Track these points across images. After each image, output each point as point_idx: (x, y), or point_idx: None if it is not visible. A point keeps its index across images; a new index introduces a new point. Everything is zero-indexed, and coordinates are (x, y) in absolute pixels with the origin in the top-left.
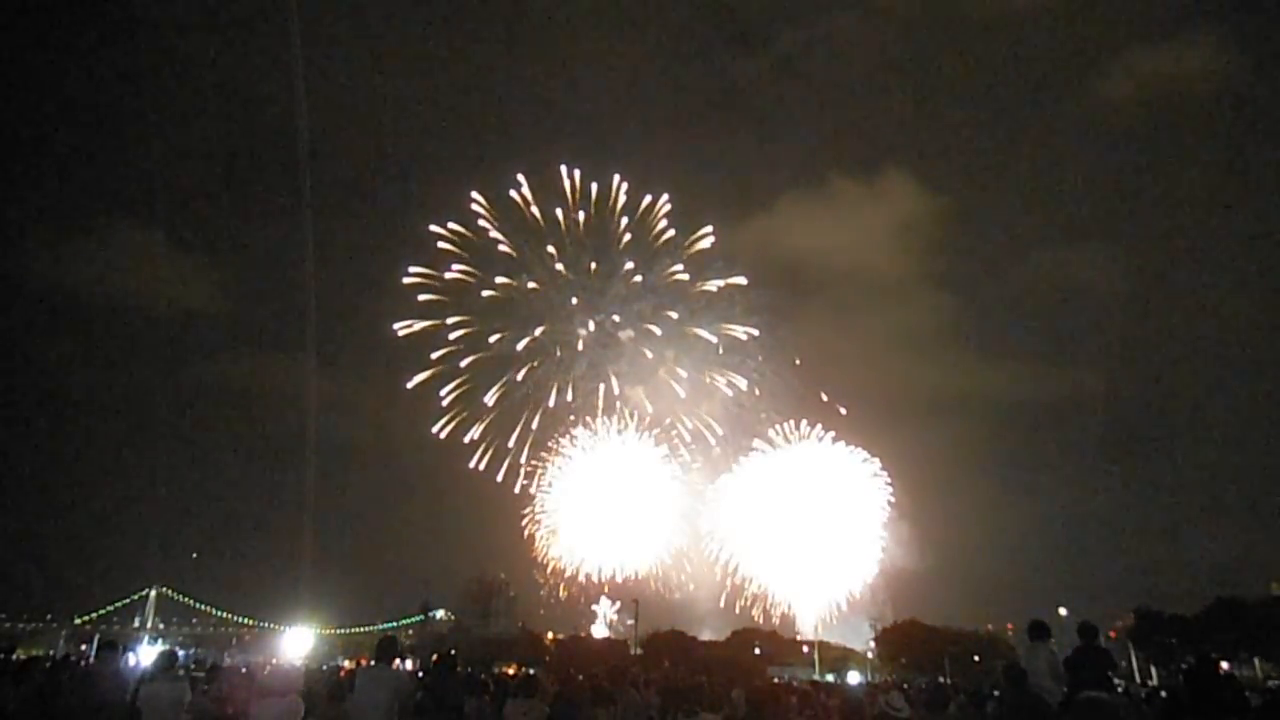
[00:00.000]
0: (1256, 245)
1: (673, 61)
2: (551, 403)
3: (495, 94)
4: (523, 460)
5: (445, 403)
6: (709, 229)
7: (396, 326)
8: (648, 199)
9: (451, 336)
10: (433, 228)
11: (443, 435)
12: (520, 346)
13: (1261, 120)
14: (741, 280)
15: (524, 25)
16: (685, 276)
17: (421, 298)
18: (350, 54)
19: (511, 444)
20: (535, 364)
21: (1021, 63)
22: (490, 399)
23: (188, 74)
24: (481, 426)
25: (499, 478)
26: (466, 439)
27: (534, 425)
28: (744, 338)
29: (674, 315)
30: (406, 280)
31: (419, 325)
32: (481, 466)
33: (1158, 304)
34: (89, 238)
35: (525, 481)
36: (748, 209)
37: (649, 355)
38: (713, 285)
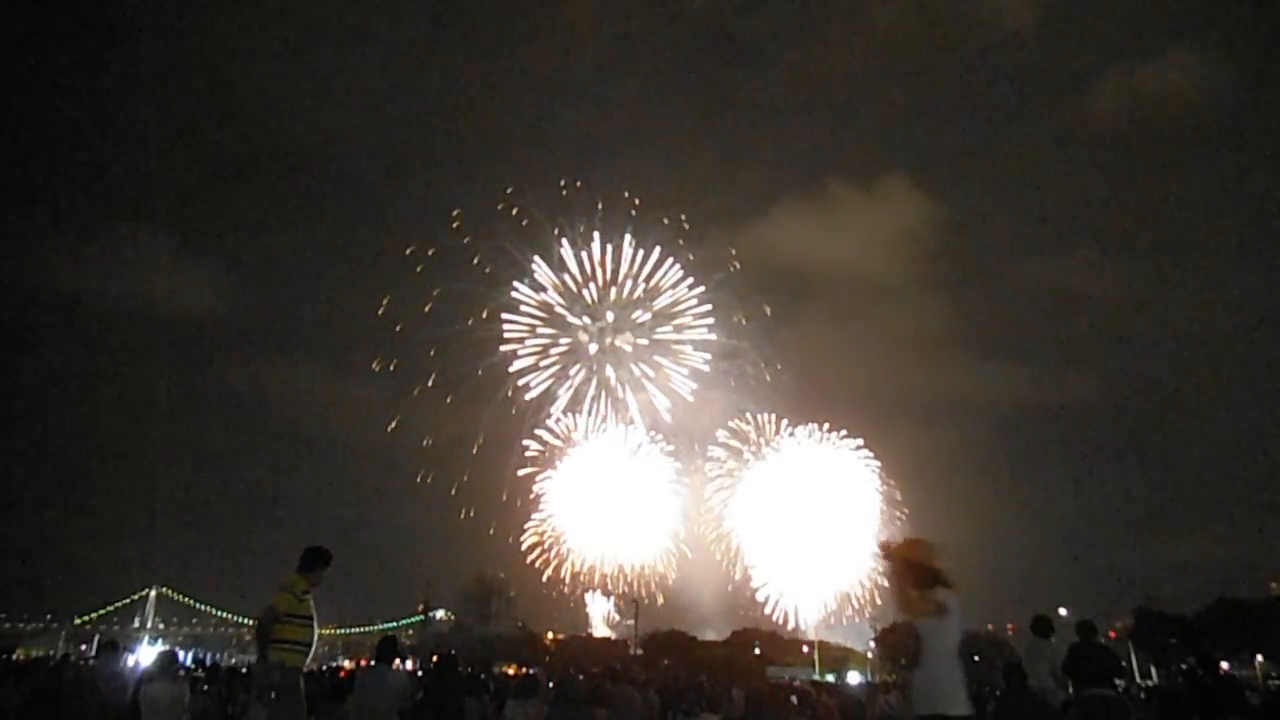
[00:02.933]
0: (1246, 249)
1: (672, 74)
2: (551, 409)
3: (501, 105)
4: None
5: (428, 443)
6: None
7: (375, 365)
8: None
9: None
10: (409, 251)
11: (428, 480)
12: (515, 367)
13: (1246, 131)
14: (765, 309)
15: (527, 40)
16: (694, 301)
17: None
18: (359, 63)
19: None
20: (533, 371)
21: (1015, 79)
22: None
23: (199, 82)
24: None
25: (490, 530)
26: (453, 490)
27: (529, 446)
28: (748, 346)
29: (675, 324)
30: (381, 311)
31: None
32: (472, 514)
33: (1151, 308)
34: (100, 243)
35: (523, 494)
36: (745, 214)
37: (649, 362)
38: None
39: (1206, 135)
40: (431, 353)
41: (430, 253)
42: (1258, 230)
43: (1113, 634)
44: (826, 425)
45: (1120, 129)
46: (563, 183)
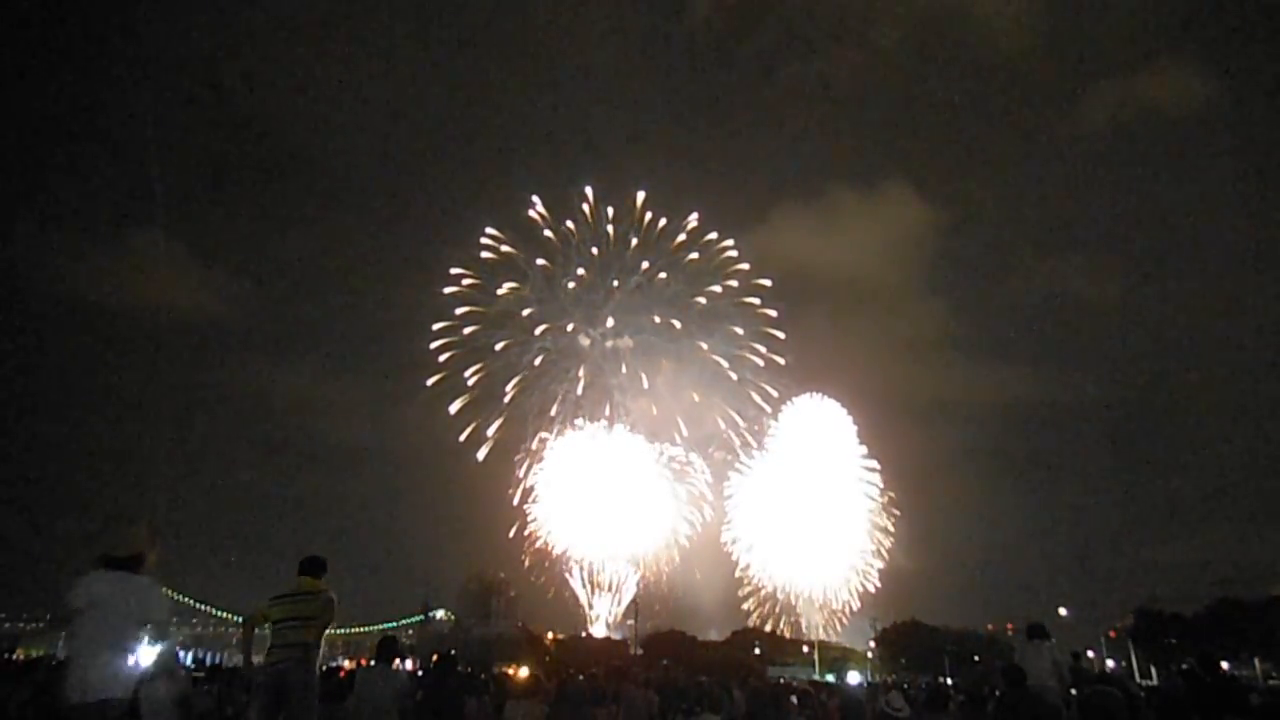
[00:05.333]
0: (1238, 252)
1: (675, 83)
2: (555, 410)
3: (506, 113)
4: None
5: (430, 445)
6: (730, 242)
7: (375, 371)
8: (663, 222)
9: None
10: (412, 257)
11: (430, 481)
12: (525, 359)
13: (1235, 138)
14: (771, 312)
15: (533, 49)
16: (702, 300)
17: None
18: (367, 69)
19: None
20: (532, 375)
21: (1011, 91)
22: (505, 398)
23: (209, 88)
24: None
25: (491, 531)
26: (454, 491)
27: (538, 432)
28: (761, 363)
29: (677, 325)
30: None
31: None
32: (474, 514)
33: (1148, 310)
34: (109, 248)
35: (529, 483)
36: (746, 218)
37: (651, 363)
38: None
39: (1197, 142)
40: (439, 358)
41: (434, 258)
42: (1248, 233)
43: (1113, 634)
44: (824, 425)
45: (1114, 137)
46: (565, 187)
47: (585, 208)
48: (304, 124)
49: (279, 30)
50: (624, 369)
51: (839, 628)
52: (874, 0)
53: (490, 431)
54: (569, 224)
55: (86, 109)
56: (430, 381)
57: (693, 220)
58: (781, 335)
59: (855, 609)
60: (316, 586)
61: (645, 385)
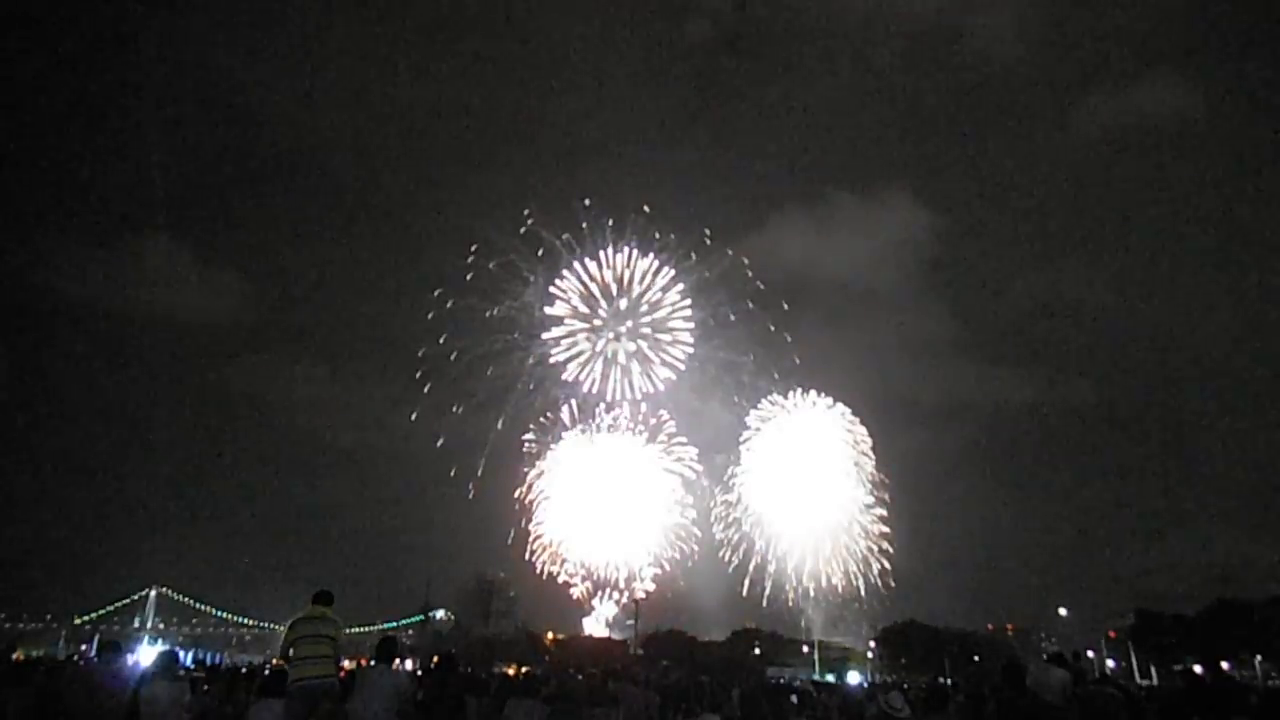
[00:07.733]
0: (1226, 254)
1: (673, 93)
2: (556, 414)
3: (515, 121)
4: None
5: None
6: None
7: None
8: (672, 236)
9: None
10: (418, 262)
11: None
12: (522, 371)
13: (1221, 147)
14: (787, 338)
15: (542, 64)
16: (711, 321)
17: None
18: (380, 78)
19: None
20: (529, 385)
21: (1006, 104)
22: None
23: (220, 96)
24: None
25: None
26: (455, 492)
27: (538, 437)
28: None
29: (685, 344)
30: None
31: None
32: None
33: (1143, 312)
34: (119, 252)
35: (525, 491)
36: (746, 223)
37: (654, 371)
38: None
39: (1187, 151)
40: (452, 358)
41: (430, 264)
42: (1233, 236)
43: (1112, 634)
44: (826, 426)
45: (1107, 146)
46: (573, 196)
47: (584, 224)
48: (311, 131)
49: (285, 39)
50: (625, 375)
51: (838, 623)
52: (874, 12)
53: (479, 472)
54: (565, 236)
55: (95, 115)
56: (413, 416)
57: (706, 238)
58: (798, 360)
59: (854, 609)
60: (327, 613)
61: (648, 391)
